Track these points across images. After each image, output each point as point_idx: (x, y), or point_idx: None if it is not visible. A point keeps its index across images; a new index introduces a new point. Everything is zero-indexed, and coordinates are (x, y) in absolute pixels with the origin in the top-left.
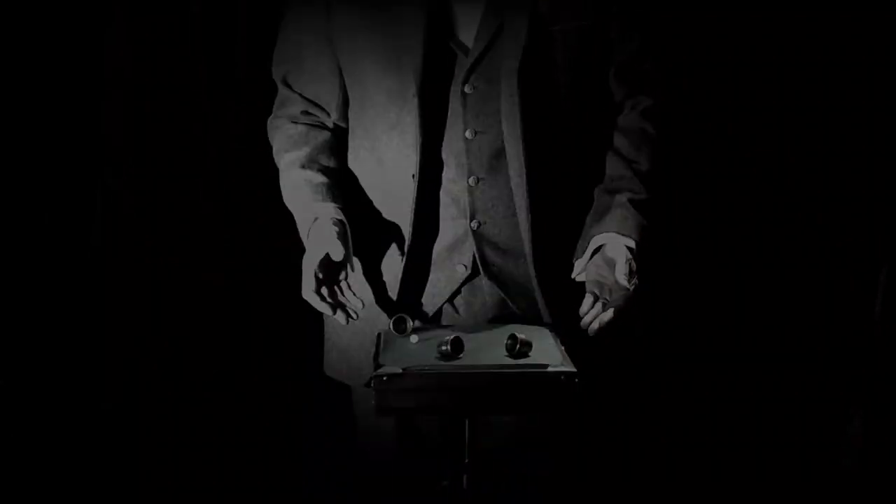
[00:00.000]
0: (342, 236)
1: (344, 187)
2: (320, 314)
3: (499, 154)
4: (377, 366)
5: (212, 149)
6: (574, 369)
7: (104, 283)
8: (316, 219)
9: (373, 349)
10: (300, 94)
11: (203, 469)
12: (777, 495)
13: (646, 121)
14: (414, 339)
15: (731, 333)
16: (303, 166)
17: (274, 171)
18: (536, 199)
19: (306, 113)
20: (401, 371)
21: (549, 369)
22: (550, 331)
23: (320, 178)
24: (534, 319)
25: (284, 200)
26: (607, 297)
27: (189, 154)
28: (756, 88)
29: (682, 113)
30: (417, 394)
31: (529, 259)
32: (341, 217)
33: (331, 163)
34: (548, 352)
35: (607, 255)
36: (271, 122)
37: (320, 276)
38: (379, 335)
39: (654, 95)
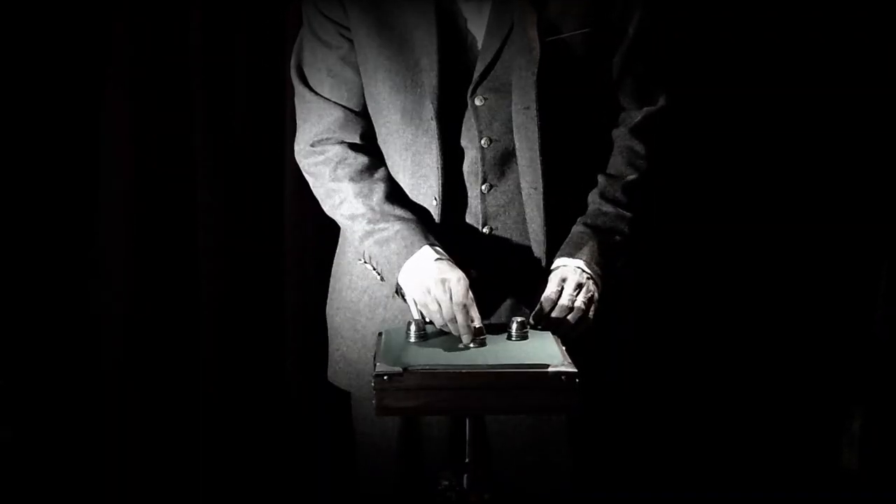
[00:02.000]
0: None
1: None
2: (324, 320)
3: (508, 160)
4: (377, 365)
5: (211, 150)
6: (574, 369)
7: (104, 284)
8: (438, 258)
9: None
10: (345, 107)
11: (203, 471)
12: (778, 495)
13: (633, 138)
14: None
15: (732, 333)
16: (386, 199)
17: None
18: (551, 207)
19: (364, 136)
20: (401, 371)
21: (550, 369)
22: (553, 332)
23: (412, 216)
24: None
25: (357, 228)
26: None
27: (188, 154)
28: (759, 90)
29: (686, 115)
30: (417, 394)
31: (544, 263)
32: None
33: (402, 197)
34: (548, 352)
35: (556, 277)
36: (317, 145)
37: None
38: (380, 334)
39: (648, 106)
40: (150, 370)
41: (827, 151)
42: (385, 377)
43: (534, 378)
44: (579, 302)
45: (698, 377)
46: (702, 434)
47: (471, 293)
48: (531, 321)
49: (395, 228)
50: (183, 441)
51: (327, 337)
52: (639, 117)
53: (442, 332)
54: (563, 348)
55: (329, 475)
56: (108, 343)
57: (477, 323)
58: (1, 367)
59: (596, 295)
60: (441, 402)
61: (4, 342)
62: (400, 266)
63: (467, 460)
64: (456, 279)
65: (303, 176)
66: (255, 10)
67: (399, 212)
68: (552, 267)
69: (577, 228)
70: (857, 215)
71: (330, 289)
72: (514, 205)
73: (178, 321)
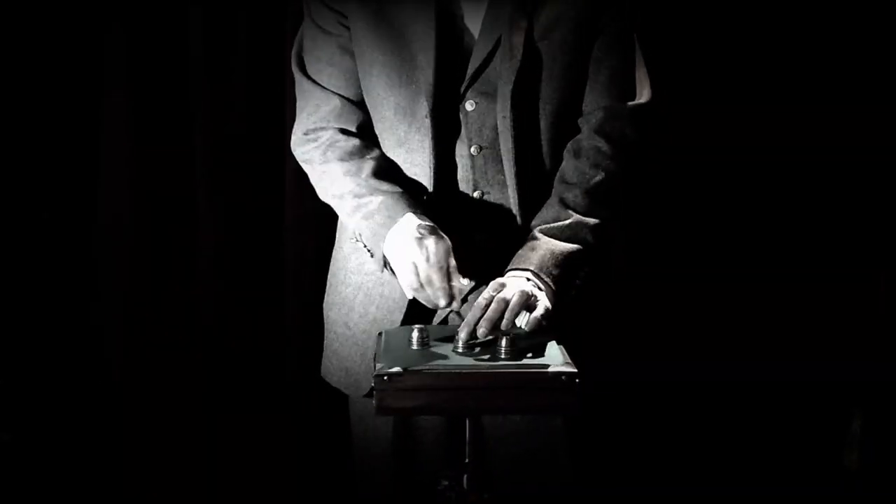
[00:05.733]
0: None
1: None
2: (321, 316)
3: (502, 167)
4: (377, 365)
5: (211, 149)
6: (575, 369)
7: (103, 284)
8: (421, 224)
9: (372, 361)
10: (343, 96)
11: (201, 470)
12: (778, 494)
13: (598, 137)
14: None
15: (733, 334)
16: (373, 175)
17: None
18: (530, 215)
19: (361, 126)
20: (401, 371)
21: (550, 369)
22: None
23: (398, 189)
24: None
25: (344, 206)
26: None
27: (189, 155)
28: (752, 92)
29: (675, 116)
30: (417, 393)
31: None
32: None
33: (394, 175)
34: (548, 352)
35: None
36: (310, 133)
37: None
38: (379, 335)
39: (620, 102)
40: (150, 370)
41: (827, 152)
42: (385, 377)
43: (534, 378)
44: (514, 303)
45: (700, 378)
46: (703, 434)
47: (452, 258)
48: (460, 334)
49: (379, 200)
50: (183, 441)
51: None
52: (601, 115)
53: (444, 339)
54: (563, 348)
55: (328, 475)
56: (108, 342)
57: (458, 287)
58: (0, 370)
59: (544, 301)
60: (441, 402)
61: (4, 344)
62: (384, 237)
63: (467, 460)
64: (434, 241)
65: (303, 175)
66: (255, 10)
67: (385, 186)
68: (503, 280)
69: (528, 238)
70: (857, 216)
71: (327, 283)
72: (508, 212)
73: (177, 322)
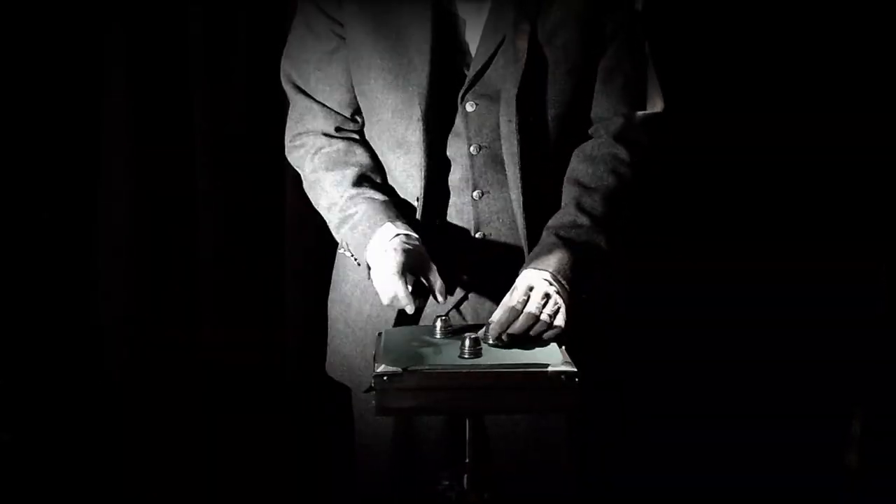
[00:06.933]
0: (422, 253)
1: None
2: (324, 315)
3: (501, 168)
4: (377, 365)
5: (211, 149)
6: (574, 369)
7: (104, 286)
8: (396, 235)
9: (371, 360)
10: (322, 104)
11: (201, 470)
12: (779, 494)
13: (617, 144)
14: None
15: (733, 333)
16: (355, 184)
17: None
18: (533, 219)
19: (340, 129)
20: (401, 371)
21: (549, 369)
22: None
23: (380, 196)
24: None
25: (332, 218)
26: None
27: (188, 154)
28: (753, 95)
29: (676, 116)
30: (417, 394)
31: None
32: (416, 235)
33: (379, 178)
34: (548, 352)
35: (522, 286)
36: (296, 139)
37: (412, 296)
38: (379, 335)
39: (635, 110)
40: (150, 370)
41: (826, 151)
42: (385, 377)
43: (534, 378)
44: (545, 314)
45: (699, 377)
46: (702, 434)
47: (427, 261)
48: (487, 334)
49: (362, 210)
50: (183, 442)
51: (327, 328)
52: (621, 121)
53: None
54: (563, 348)
55: (328, 475)
56: (108, 342)
57: (438, 286)
58: (0, 370)
59: (563, 308)
60: (441, 402)
61: (4, 344)
62: (365, 247)
63: (467, 460)
64: (397, 253)
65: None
66: (255, 10)
67: (368, 193)
68: (519, 277)
69: (547, 239)
70: (857, 214)
71: (331, 280)
72: (508, 212)
73: (177, 323)
